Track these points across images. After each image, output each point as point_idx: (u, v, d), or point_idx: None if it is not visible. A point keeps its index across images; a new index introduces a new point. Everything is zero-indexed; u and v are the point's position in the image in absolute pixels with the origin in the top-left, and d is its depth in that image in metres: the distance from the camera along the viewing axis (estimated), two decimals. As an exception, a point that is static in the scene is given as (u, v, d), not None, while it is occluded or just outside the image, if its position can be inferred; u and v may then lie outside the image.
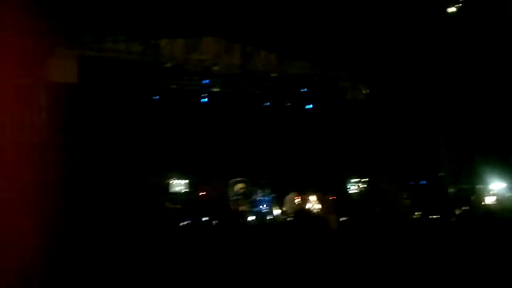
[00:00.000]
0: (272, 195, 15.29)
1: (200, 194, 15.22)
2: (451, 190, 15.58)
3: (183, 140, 15.37)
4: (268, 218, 13.29)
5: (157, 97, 15.64)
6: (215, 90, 16.54)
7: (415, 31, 14.22)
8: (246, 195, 15.31)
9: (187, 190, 15.75)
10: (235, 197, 15.19)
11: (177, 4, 13.33)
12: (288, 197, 13.95)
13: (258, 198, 15.25)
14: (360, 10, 13.34)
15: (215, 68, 16.00)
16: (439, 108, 15.80)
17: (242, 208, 14.76)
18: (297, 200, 13.47)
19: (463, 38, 13.44)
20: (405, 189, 15.03)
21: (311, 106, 17.40)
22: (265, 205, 15.14)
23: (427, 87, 15.54)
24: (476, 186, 15.12)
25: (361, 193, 14.84)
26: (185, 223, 8.01)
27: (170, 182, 15.73)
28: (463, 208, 11.75)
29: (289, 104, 17.43)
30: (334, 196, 13.47)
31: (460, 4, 12.45)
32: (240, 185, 15.47)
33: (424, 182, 16.26)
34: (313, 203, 13.03)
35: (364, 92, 17.92)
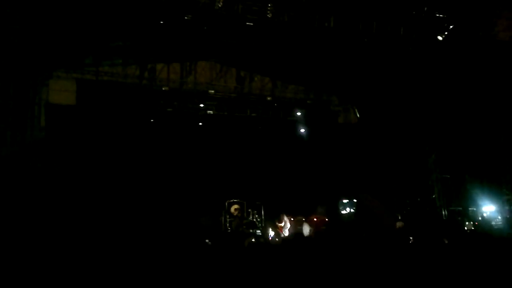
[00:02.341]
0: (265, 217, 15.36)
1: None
2: (442, 212, 15.72)
3: (178, 162, 15.47)
4: (261, 239, 13.33)
5: (153, 120, 15.83)
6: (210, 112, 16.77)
7: (406, 58, 14.63)
8: (241, 217, 15.37)
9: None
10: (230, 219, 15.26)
11: (173, 28, 13.67)
12: (284, 219, 13.95)
13: (253, 219, 15.32)
14: (352, 37, 13.74)
15: (211, 91, 16.33)
16: (430, 130, 16.04)
17: (238, 229, 14.80)
18: (291, 222, 13.51)
19: (450, 64, 13.83)
20: (397, 211, 15.23)
21: (303, 129, 17.62)
22: (260, 227, 15.21)
23: (418, 110, 15.83)
24: (467, 209, 15.26)
25: (351, 214, 14.94)
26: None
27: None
28: (455, 230, 11.87)
29: (282, 127, 17.61)
30: (327, 218, 13.58)
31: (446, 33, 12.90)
32: (235, 206, 15.54)
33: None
34: (306, 226, 13.08)
35: (355, 115, 18.22)
